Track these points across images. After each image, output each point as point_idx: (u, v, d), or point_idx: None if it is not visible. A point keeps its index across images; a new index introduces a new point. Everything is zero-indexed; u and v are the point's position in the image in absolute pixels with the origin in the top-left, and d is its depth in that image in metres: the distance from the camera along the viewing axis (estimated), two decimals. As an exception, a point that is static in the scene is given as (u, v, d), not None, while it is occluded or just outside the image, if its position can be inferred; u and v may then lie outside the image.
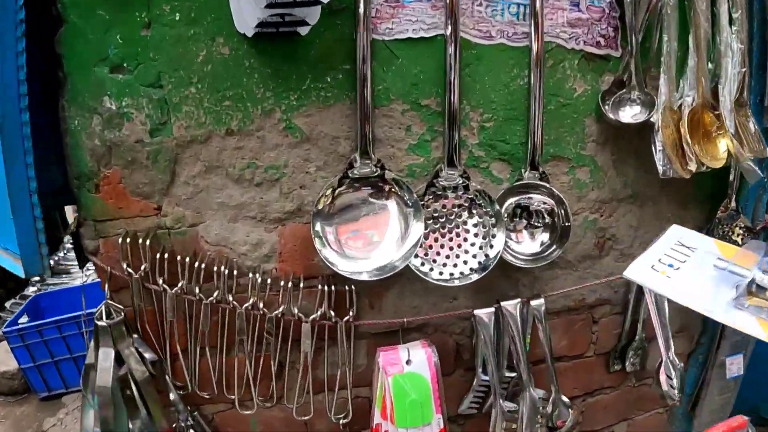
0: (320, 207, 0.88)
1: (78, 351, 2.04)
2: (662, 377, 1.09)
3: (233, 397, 0.98)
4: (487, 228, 0.92)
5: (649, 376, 1.27)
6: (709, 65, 1.05)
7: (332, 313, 0.93)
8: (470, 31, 0.91)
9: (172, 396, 0.97)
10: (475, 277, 0.90)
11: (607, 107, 0.99)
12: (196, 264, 0.93)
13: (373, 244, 0.87)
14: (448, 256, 0.92)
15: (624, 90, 0.99)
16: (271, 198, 0.94)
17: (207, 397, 0.98)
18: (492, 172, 0.98)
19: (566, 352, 1.14)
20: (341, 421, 0.98)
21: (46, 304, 2.29)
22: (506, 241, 0.94)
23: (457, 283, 0.90)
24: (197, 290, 0.93)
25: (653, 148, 0.98)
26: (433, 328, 1.04)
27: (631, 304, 1.13)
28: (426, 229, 0.91)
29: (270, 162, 0.91)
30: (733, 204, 1.15)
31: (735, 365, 1.27)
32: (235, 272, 0.94)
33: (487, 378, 1.03)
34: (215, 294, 0.94)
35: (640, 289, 1.11)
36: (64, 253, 2.52)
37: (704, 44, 1.00)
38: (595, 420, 1.25)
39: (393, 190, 0.89)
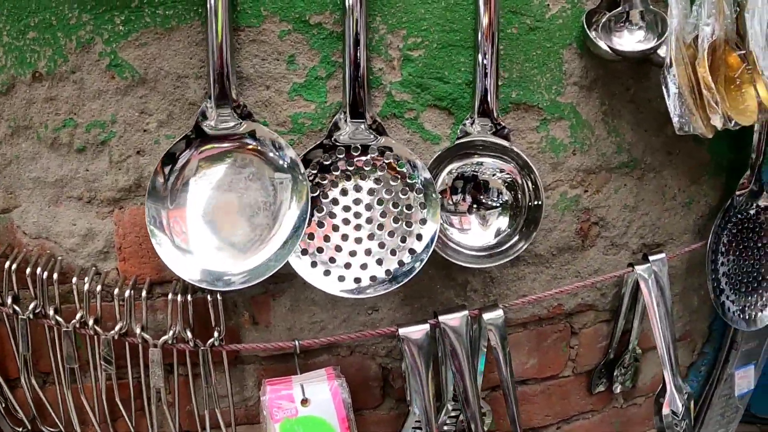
0: (154, 183, 0.54)
1: None
2: (665, 410, 0.77)
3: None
4: (414, 210, 0.58)
5: (640, 395, 0.96)
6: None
7: (189, 333, 0.60)
8: None
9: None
10: (392, 286, 0.57)
11: (595, 32, 0.64)
12: (7, 264, 0.63)
13: (217, 233, 0.54)
14: (353, 253, 0.58)
15: (619, 8, 0.64)
16: (99, 169, 0.62)
17: (55, 434, 0.69)
18: (424, 126, 0.63)
19: (536, 374, 0.82)
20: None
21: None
22: (444, 229, 0.61)
23: (369, 293, 0.57)
24: (9, 300, 0.64)
25: (665, 91, 0.63)
26: (348, 349, 0.70)
27: (624, 309, 0.81)
28: (321, 212, 0.57)
29: (92, 117, 0.61)
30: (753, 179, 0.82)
31: (745, 379, 0.96)
32: (55, 276, 0.62)
33: (425, 414, 0.72)
34: (31, 305, 0.63)
35: (636, 289, 0.79)
36: None
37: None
38: (573, 451, 0.94)
39: (256, 148, 0.55)
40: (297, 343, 0.63)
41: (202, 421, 0.67)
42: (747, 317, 0.85)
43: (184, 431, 0.67)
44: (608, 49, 0.63)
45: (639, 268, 0.75)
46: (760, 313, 0.87)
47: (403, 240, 0.59)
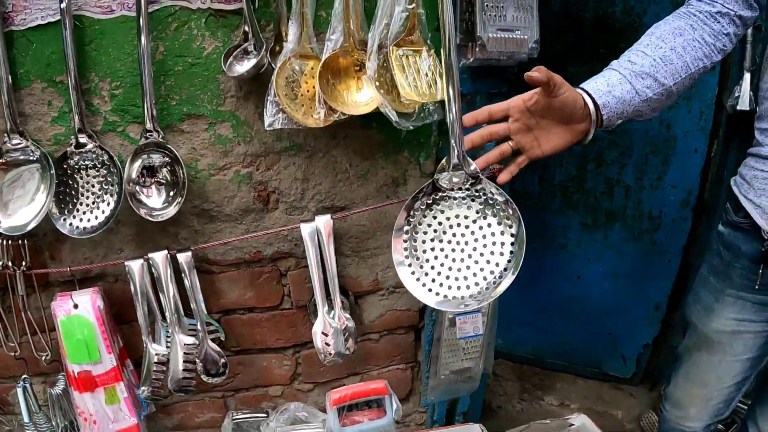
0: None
1: None
2: (316, 333, 1.01)
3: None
4: (110, 186, 0.96)
5: (373, 332, 1.18)
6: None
7: (10, 263, 1.05)
8: (92, 8, 0.95)
9: None
10: (96, 231, 0.96)
11: (230, 62, 0.95)
12: None
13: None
14: (84, 213, 0.98)
15: (242, 46, 0.95)
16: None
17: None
18: (129, 135, 1.00)
19: (256, 303, 1.11)
20: (43, 358, 1.10)
21: None
22: (138, 196, 0.97)
23: (87, 236, 0.96)
24: None
25: (266, 99, 0.92)
26: (113, 278, 1.09)
27: (310, 256, 1.06)
28: (75, 189, 0.98)
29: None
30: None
31: (469, 324, 1.12)
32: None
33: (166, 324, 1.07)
34: None
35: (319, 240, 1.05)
36: None
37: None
38: (318, 372, 1.19)
39: (28, 159, 0.97)
40: (69, 269, 1.04)
41: (30, 324, 1.09)
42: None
43: (20, 328, 1.11)
44: (233, 75, 0.94)
45: (302, 226, 1.02)
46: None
47: (107, 204, 0.97)
